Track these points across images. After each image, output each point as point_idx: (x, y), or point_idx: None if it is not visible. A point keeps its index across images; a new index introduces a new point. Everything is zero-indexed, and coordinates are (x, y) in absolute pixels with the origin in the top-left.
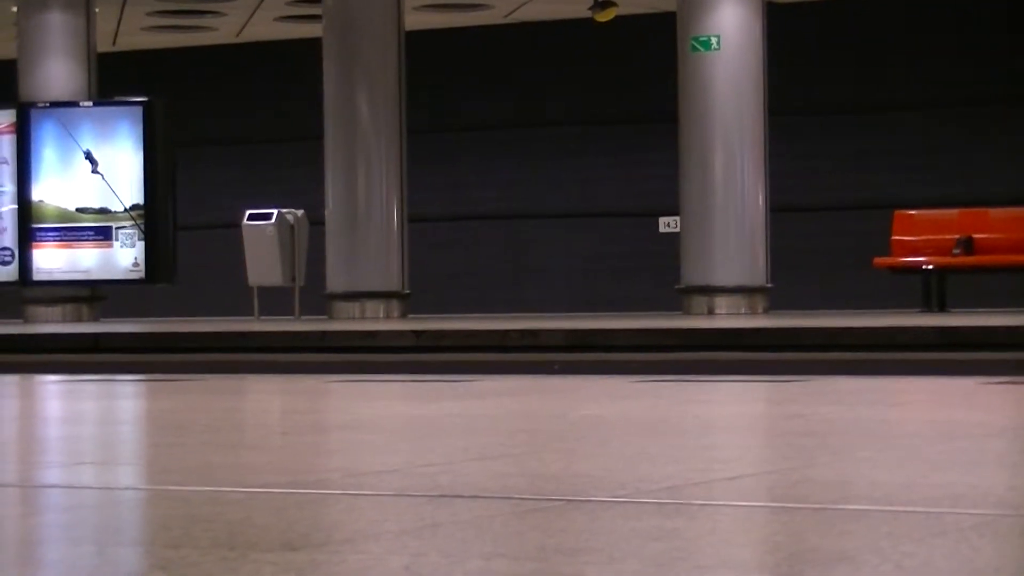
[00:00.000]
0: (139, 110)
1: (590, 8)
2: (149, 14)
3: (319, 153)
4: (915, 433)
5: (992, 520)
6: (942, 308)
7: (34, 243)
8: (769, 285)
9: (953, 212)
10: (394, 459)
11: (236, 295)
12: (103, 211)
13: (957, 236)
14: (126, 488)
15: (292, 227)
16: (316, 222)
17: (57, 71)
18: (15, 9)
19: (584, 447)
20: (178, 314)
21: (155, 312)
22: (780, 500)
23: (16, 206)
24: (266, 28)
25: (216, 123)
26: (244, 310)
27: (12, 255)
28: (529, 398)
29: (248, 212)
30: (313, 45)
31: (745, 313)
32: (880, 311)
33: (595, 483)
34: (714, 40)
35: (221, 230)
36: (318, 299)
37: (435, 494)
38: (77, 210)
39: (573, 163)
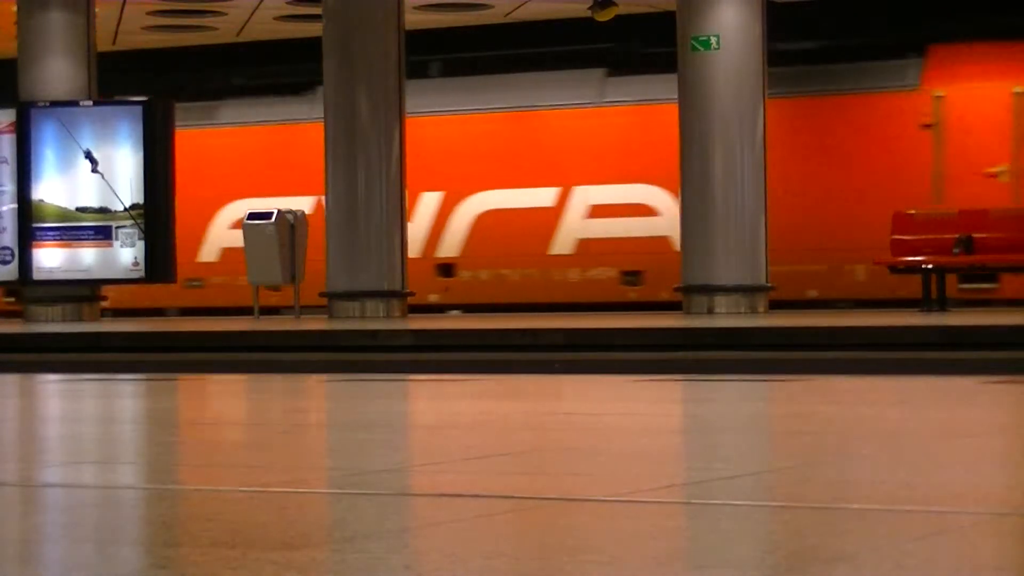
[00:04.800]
0: (139, 110)
1: (590, 7)
2: (149, 13)
3: None
4: (915, 432)
5: (993, 519)
6: (942, 308)
7: (34, 242)
8: (769, 285)
9: (953, 212)
10: (395, 458)
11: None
12: (103, 210)
13: (957, 236)
14: (126, 487)
15: (292, 226)
16: None
17: (57, 70)
18: (15, 8)
19: (585, 446)
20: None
21: (155, 311)
22: (780, 499)
23: (16, 205)
24: (266, 27)
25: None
26: (244, 309)
27: (12, 254)
28: (529, 398)
29: (248, 211)
30: (313, 44)
31: (745, 312)
32: (880, 310)
33: (596, 482)
34: (714, 40)
35: None
36: (318, 298)
37: (436, 493)
38: (77, 209)
39: None
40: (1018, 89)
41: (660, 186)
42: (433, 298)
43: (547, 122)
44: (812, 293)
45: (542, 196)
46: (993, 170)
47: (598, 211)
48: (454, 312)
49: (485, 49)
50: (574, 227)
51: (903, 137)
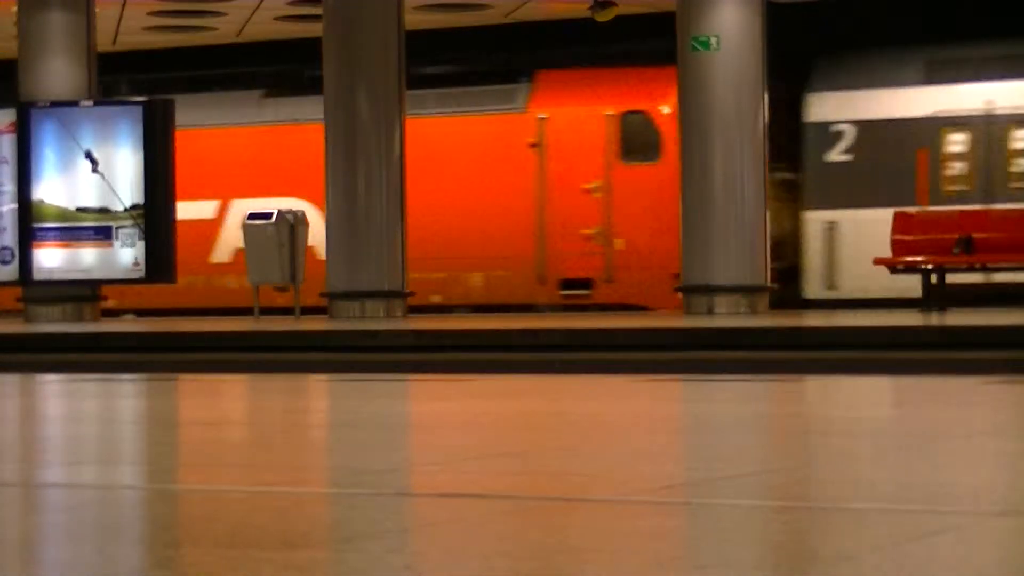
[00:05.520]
0: (139, 110)
1: (591, 8)
2: (149, 14)
3: None
4: (915, 433)
5: (992, 519)
6: (942, 308)
7: (34, 243)
8: (769, 285)
9: (953, 212)
10: (395, 458)
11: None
12: (103, 211)
13: (957, 236)
14: (127, 487)
15: (292, 226)
16: None
17: (57, 71)
18: (15, 8)
19: (584, 446)
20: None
21: (155, 311)
22: (780, 499)
23: (16, 206)
24: (266, 27)
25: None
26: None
27: (12, 255)
28: (529, 398)
29: (248, 211)
30: (314, 44)
31: (745, 313)
32: (880, 311)
33: (595, 482)
34: (714, 40)
35: None
36: (318, 298)
37: (436, 493)
38: (77, 210)
39: None
40: (609, 112)
41: (308, 200)
42: (111, 303)
43: (211, 140)
44: (436, 298)
45: (205, 208)
46: (588, 186)
47: None
48: (128, 316)
49: (164, 71)
50: (232, 237)
51: (514, 156)
